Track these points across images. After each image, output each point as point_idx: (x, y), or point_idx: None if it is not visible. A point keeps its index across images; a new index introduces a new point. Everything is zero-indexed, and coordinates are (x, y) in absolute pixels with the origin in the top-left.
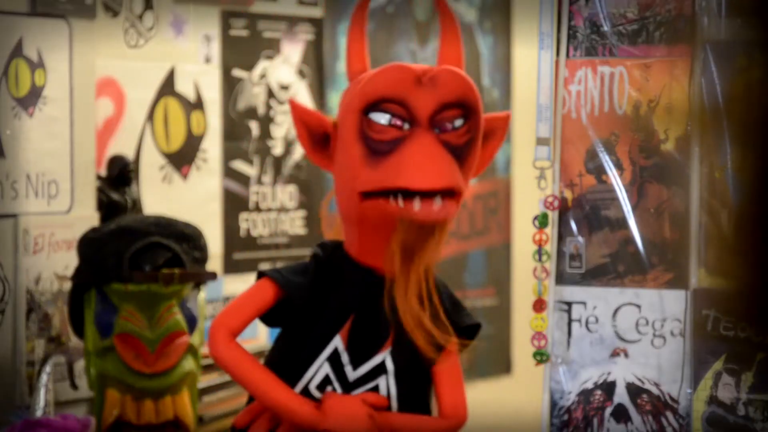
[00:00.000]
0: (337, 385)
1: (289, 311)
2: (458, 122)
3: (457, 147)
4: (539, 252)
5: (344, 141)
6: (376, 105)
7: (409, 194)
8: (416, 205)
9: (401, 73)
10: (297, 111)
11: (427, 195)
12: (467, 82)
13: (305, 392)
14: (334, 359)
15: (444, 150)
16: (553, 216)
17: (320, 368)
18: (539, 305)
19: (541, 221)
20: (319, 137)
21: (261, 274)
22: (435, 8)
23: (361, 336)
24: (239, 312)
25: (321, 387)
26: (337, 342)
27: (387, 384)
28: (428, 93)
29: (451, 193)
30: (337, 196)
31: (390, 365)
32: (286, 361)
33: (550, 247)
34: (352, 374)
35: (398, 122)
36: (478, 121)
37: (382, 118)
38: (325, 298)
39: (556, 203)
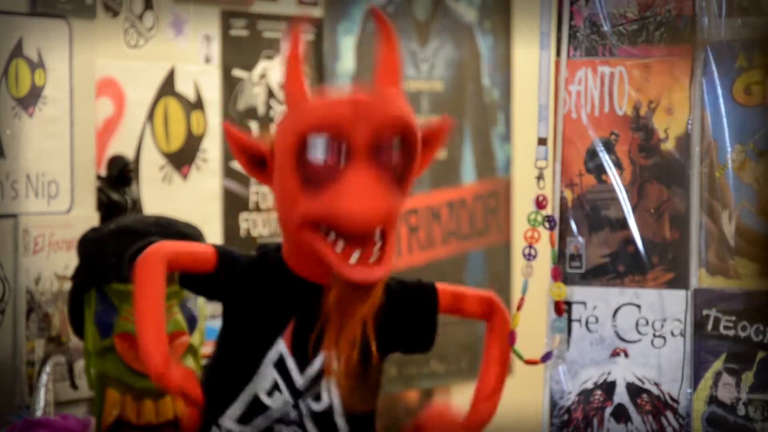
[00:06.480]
0: (285, 391)
1: (216, 288)
2: (395, 145)
3: (395, 168)
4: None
5: (282, 169)
6: (314, 137)
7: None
8: (354, 257)
9: (337, 104)
10: (232, 138)
11: (363, 240)
12: (401, 105)
13: (255, 400)
14: (280, 365)
15: (380, 181)
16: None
17: (268, 375)
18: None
19: (538, 221)
20: (256, 159)
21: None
22: (372, 19)
23: (303, 340)
24: (181, 249)
25: (270, 393)
26: (281, 347)
27: (329, 384)
28: (364, 121)
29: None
30: (278, 209)
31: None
32: (231, 365)
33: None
34: (299, 380)
35: (335, 153)
36: (414, 140)
37: (319, 149)
38: (263, 297)
39: (545, 203)
